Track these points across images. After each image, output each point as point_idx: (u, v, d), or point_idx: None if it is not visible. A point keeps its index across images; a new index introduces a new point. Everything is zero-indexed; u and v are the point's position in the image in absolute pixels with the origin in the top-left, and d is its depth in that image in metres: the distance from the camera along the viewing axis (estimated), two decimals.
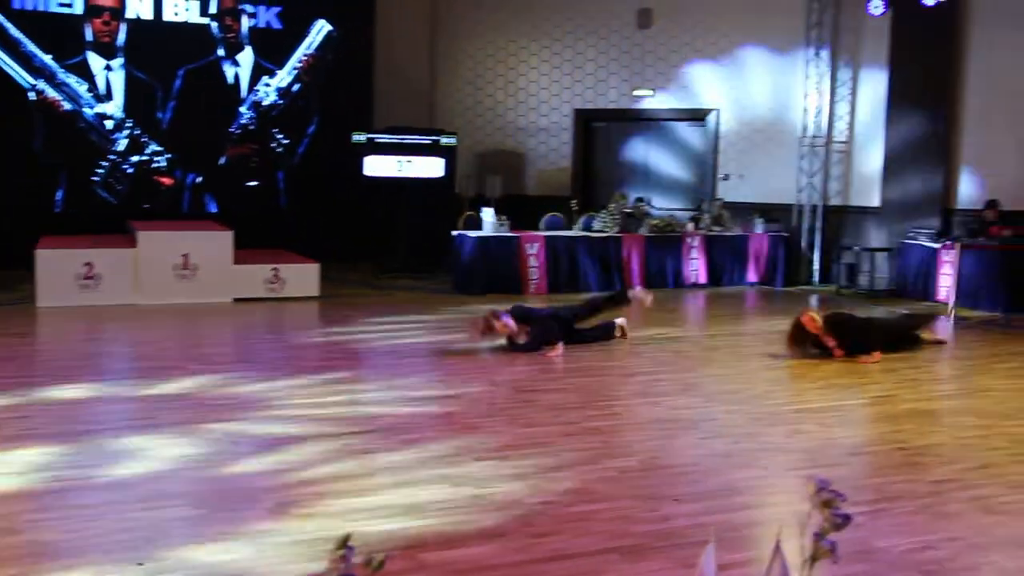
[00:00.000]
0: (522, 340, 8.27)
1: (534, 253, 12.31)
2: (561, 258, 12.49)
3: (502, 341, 8.35)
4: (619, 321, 9.04)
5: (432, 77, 16.05)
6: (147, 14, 13.98)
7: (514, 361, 8.01)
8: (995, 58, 12.76)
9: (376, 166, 13.85)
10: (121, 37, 13.93)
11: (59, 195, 13.88)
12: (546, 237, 12.50)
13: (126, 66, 14.00)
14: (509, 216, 12.98)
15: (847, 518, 1.76)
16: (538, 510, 4.46)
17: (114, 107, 13.99)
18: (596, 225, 13.02)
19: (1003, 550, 4.11)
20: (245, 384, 6.94)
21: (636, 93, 15.18)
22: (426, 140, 14.12)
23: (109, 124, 13.99)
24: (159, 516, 4.31)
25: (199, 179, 14.58)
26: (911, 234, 12.55)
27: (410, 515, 4.35)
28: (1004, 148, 12.76)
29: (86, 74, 13.82)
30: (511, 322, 8.23)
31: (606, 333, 8.91)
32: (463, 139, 14.78)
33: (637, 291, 9.57)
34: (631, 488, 4.84)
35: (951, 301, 11.17)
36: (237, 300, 10.90)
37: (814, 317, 8.27)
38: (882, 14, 12.72)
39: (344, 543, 1.36)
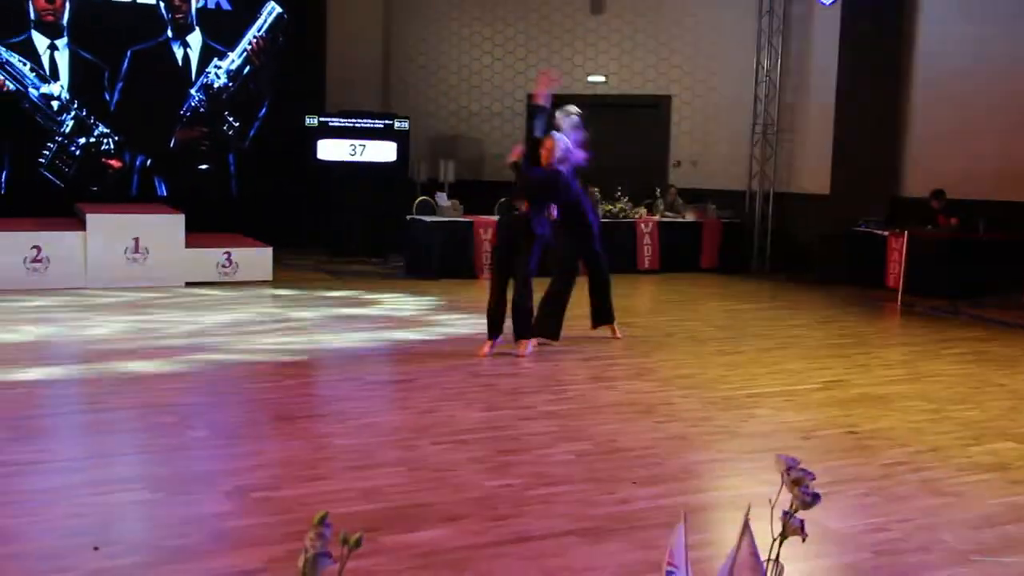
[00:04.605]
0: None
1: (488, 238, 12.29)
2: None
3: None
4: None
5: (385, 61, 15.94)
6: None
7: (471, 347, 7.99)
8: (941, 48, 12.95)
9: (329, 150, 13.75)
10: (66, 16, 13.67)
11: (3, 177, 13.62)
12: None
13: (71, 46, 13.74)
14: (462, 201, 12.95)
15: (816, 496, 1.78)
16: (497, 493, 4.47)
17: (59, 88, 13.74)
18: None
19: (952, 530, 4.19)
20: (194, 372, 6.87)
21: (590, 79, 15.20)
22: (379, 124, 14.04)
23: (55, 105, 13.73)
24: (113, 500, 4.25)
25: (148, 162, 14.38)
26: (860, 221, 12.70)
27: (368, 498, 4.33)
28: (949, 138, 12.96)
29: (30, 54, 13.55)
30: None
31: None
32: (416, 124, 14.71)
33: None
34: (589, 471, 4.86)
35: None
36: (189, 284, 10.78)
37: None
38: (832, 3, 12.86)
39: (322, 521, 1.35)
